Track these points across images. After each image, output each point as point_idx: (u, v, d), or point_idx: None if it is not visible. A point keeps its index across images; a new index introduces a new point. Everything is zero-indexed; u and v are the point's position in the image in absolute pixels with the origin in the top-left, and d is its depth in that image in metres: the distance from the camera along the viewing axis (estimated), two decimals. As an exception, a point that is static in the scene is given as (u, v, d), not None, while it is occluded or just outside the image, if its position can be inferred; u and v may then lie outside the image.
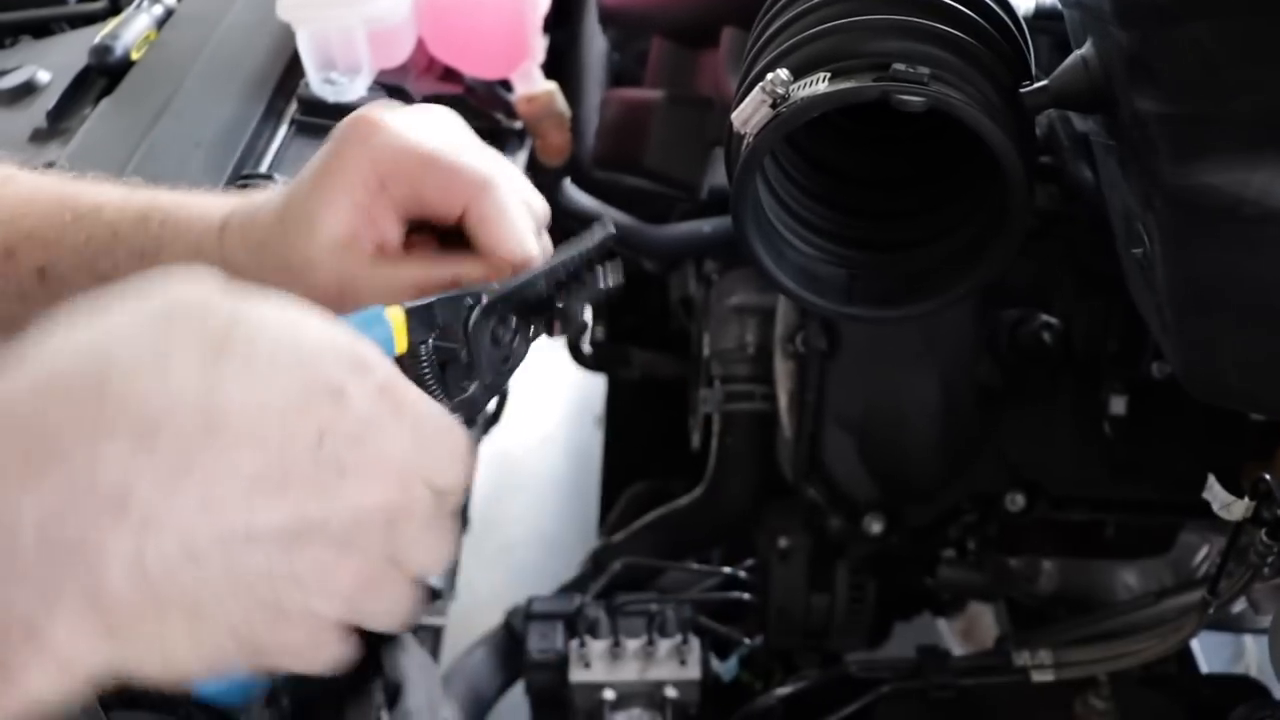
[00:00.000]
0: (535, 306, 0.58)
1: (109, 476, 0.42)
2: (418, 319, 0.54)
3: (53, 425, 0.43)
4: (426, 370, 0.54)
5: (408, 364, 0.54)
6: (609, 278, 0.60)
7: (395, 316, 0.53)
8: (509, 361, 0.57)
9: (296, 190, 0.60)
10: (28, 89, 1.05)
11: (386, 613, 0.50)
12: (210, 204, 0.64)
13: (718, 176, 1.07)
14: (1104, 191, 0.75)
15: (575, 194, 1.19)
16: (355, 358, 0.48)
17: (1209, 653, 1.17)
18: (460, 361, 0.56)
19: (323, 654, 0.48)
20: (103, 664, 0.44)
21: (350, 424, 0.46)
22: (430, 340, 0.54)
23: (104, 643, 0.43)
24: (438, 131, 0.60)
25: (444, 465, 0.50)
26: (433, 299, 0.55)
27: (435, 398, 0.54)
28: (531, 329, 0.59)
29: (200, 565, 0.44)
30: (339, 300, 0.58)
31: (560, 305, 0.59)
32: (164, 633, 0.44)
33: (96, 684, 0.44)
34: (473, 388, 0.56)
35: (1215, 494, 0.80)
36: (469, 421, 0.55)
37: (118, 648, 0.44)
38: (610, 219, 0.62)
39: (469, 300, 0.55)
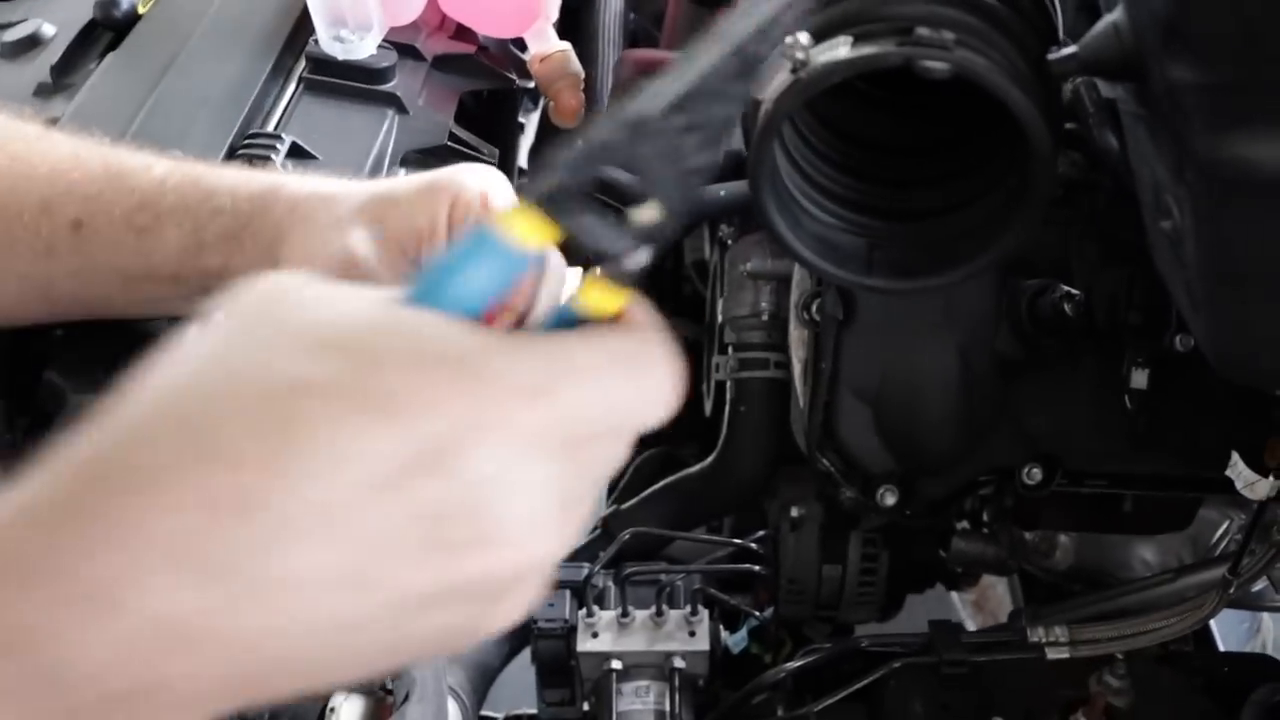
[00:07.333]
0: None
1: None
2: (557, 196, 0.39)
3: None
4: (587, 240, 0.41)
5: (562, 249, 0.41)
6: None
7: (518, 224, 0.39)
8: (696, 176, 0.42)
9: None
10: (32, 42, 1.03)
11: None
12: (264, 175, 0.69)
13: (734, 140, 1.04)
14: (1131, 161, 0.72)
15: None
16: (464, 372, 0.36)
17: (1225, 630, 1.16)
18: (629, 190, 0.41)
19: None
20: None
21: (467, 488, 0.35)
22: (589, 193, 0.40)
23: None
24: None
25: (645, 408, 0.43)
26: (587, 145, 0.40)
27: (609, 258, 0.41)
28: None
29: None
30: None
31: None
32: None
33: None
34: (651, 214, 0.41)
35: (1239, 472, 0.78)
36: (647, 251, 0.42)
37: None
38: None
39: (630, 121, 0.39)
